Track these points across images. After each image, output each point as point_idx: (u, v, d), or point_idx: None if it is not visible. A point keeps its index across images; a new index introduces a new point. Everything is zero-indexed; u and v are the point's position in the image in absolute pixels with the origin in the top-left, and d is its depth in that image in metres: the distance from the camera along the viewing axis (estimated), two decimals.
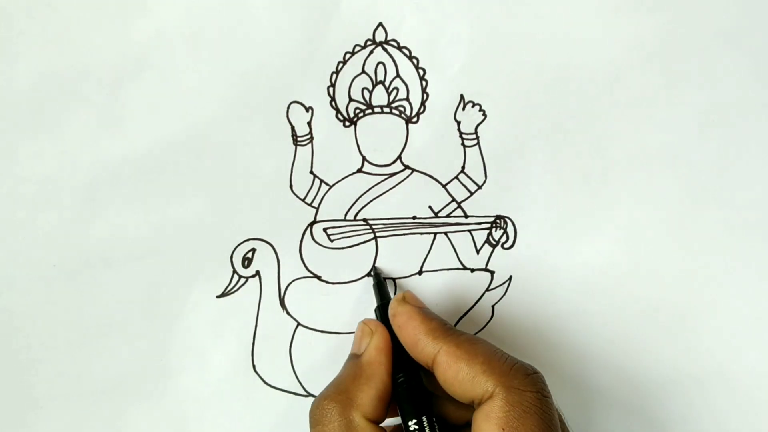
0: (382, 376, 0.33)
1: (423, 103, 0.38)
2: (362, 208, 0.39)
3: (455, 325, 0.40)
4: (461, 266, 0.40)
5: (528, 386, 0.30)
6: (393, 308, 0.35)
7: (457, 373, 0.31)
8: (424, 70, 0.38)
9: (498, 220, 0.40)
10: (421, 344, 0.32)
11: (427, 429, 0.32)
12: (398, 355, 0.34)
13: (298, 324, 0.39)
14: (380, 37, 0.38)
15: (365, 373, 0.33)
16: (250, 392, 0.39)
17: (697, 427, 0.41)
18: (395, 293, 0.40)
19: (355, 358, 0.35)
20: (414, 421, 0.32)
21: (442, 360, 0.32)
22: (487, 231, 0.40)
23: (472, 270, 0.40)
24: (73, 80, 0.36)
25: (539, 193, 0.39)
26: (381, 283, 0.38)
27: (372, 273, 0.39)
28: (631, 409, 0.41)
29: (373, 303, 0.39)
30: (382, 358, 0.34)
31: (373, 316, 0.40)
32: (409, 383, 0.33)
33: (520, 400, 0.29)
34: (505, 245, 0.40)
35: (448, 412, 0.35)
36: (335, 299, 0.39)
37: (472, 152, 0.39)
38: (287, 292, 0.39)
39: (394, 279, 0.40)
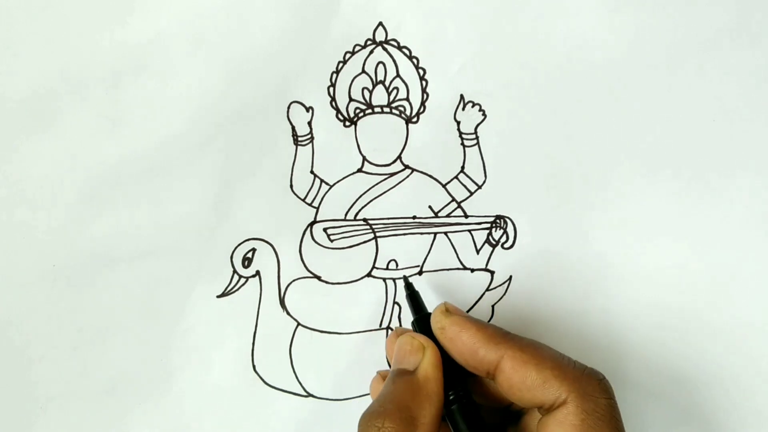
0: (440, 394, 0.32)
1: (423, 103, 0.38)
2: (362, 207, 0.39)
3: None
4: (461, 266, 0.40)
5: (601, 393, 0.30)
6: (440, 321, 0.33)
7: (525, 378, 0.30)
8: (424, 70, 0.38)
9: (498, 220, 0.40)
10: (482, 353, 0.32)
11: None
12: (447, 370, 0.33)
13: (298, 324, 0.39)
14: (380, 36, 0.38)
15: (424, 391, 0.31)
16: (250, 392, 0.39)
17: (699, 426, 0.41)
18: (396, 294, 0.40)
19: (406, 374, 0.32)
20: None
21: (507, 365, 0.31)
22: (487, 231, 0.40)
23: (472, 270, 0.40)
24: (73, 80, 0.36)
25: (539, 193, 0.39)
26: (415, 294, 0.37)
27: (404, 284, 0.38)
28: (630, 407, 0.41)
29: (373, 302, 0.39)
30: (439, 374, 0.32)
31: (372, 316, 0.40)
32: (461, 400, 0.32)
33: (595, 408, 0.29)
34: (505, 245, 0.40)
35: (486, 418, 0.34)
36: (335, 299, 0.39)
37: (472, 152, 0.39)
38: (287, 292, 0.39)
39: (394, 279, 0.40)
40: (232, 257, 0.38)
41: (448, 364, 0.33)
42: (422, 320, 0.35)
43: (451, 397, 0.32)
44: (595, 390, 0.30)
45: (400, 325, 0.40)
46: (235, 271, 0.38)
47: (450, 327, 0.33)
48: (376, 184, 0.39)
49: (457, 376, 0.33)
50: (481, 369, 0.32)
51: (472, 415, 0.32)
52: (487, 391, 0.34)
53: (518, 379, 0.31)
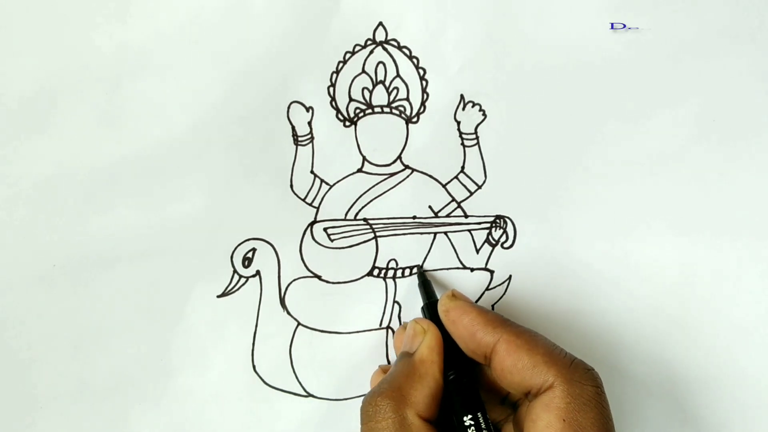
0: (435, 375, 0.33)
1: (423, 103, 0.39)
2: (362, 207, 0.39)
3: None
4: (461, 266, 0.40)
5: (588, 380, 0.30)
6: (445, 304, 0.35)
7: (516, 362, 0.31)
8: (424, 70, 0.38)
9: (498, 220, 0.40)
10: (479, 335, 0.33)
11: (482, 423, 0.32)
12: (449, 353, 0.34)
13: (299, 324, 0.39)
14: (380, 36, 0.38)
15: (418, 371, 0.33)
16: (250, 392, 0.39)
17: (695, 425, 0.41)
18: (396, 293, 0.40)
19: (407, 356, 0.35)
20: (469, 417, 0.32)
21: (501, 348, 0.32)
22: (487, 231, 0.40)
23: (472, 269, 0.40)
24: (73, 80, 0.36)
25: (539, 193, 0.39)
26: (427, 281, 0.38)
27: (417, 272, 0.39)
28: (627, 406, 0.41)
29: (373, 301, 0.39)
30: (435, 356, 0.34)
31: (372, 315, 0.40)
32: (460, 380, 0.34)
33: (581, 393, 0.30)
34: (505, 245, 0.40)
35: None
36: (336, 299, 0.39)
37: (472, 152, 0.39)
38: (287, 291, 0.39)
39: (395, 279, 0.40)
40: (232, 257, 0.38)
41: (454, 347, 0.34)
42: (431, 305, 0.37)
43: (451, 377, 0.34)
44: (582, 377, 0.31)
45: (400, 325, 0.40)
46: (235, 271, 0.38)
47: (453, 310, 0.34)
48: (376, 184, 0.39)
49: (461, 358, 0.34)
50: (479, 353, 0.33)
51: (467, 392, 0.33)
52: (487, 383, 0.35)
53: (510, 362, 0.32)
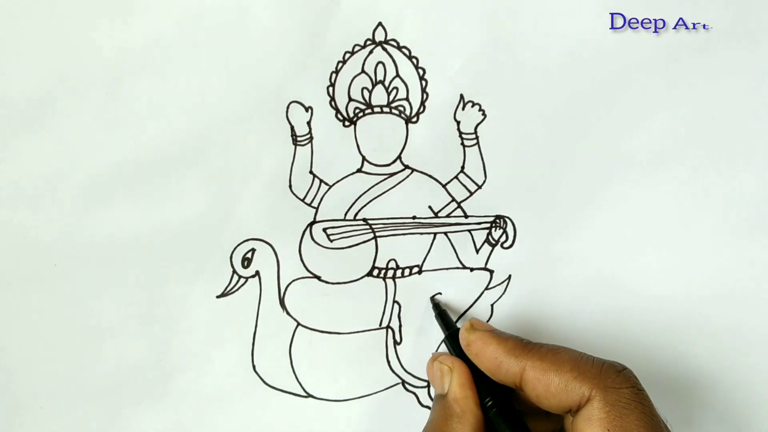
0: (473, 410, 0.33)
1: (423, 103, 0.38)
2: (362, 208, 0.39)
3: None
4: (461, 266, 0.40)
5: (622, 383, 0.30)
6: (465, 338, 0.35)
7: (548, 386, 0.31)
8: (423, 70, 0.38)
9: (497, 220, 0.40)
10: (504, 366, 0.33)
11: None
12: (480, 381, 0.34)
13: (298, 324, 0.39)
14: (380, 36, 0.38)
15: (455, 412, 0.33)
16: (250, 392, 0.39)
17: (699, 427, 0.41)
18: (396, 293, 0.40)
19: (441, 398, 0.34)
20: None
21: (529, 376, 0.32)
22: (487, 231, 0.40)
23: (472, 269, 0.40)
24: (73, 80, 0.36)
25: (539, 193, 0.39)
26: (443, 312, 0.38)
27: (432, 302, 0.39)
28: None
29: (373, 302, 0.39)
30: (468, 392, 0.34)
31: (372, 315, 0.40)
32: (499, 406, 0.33)
33: (618, 398, 0.30)
34: (505, 245, 0.40)
35: (534, 426, 0.34)
36: (335, 299, 0.39)
37: (472, 152, 0.39)
38: (287, 292, 0.39)
39: (394, 279, 0.40)
40: (231, 257, 0.38)
41: (485, 375, 0.34)
42: (452, 337, 0.36)
43: (489, 404, 0.33)
44: (615, 381, 0.30)
45: (400, 325, 0.40)
46: (234, 272, 0.38)
47: (473, 343, 0.34)
48: (376, 184, 0.39)
49: (494, 384, 0.34)
50: (508, 381, 0.33)
51: (511, 416, 0.33)
52: (528, 399, 0.34)
53: (542, 388, 0.31)
